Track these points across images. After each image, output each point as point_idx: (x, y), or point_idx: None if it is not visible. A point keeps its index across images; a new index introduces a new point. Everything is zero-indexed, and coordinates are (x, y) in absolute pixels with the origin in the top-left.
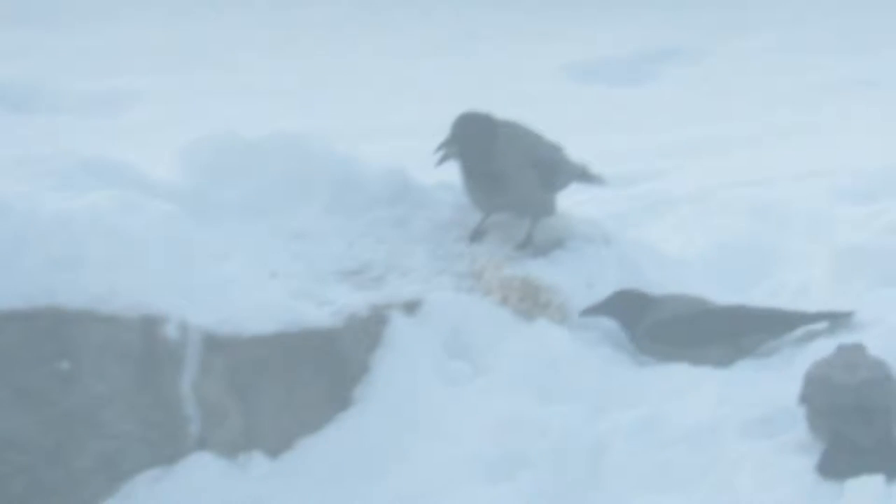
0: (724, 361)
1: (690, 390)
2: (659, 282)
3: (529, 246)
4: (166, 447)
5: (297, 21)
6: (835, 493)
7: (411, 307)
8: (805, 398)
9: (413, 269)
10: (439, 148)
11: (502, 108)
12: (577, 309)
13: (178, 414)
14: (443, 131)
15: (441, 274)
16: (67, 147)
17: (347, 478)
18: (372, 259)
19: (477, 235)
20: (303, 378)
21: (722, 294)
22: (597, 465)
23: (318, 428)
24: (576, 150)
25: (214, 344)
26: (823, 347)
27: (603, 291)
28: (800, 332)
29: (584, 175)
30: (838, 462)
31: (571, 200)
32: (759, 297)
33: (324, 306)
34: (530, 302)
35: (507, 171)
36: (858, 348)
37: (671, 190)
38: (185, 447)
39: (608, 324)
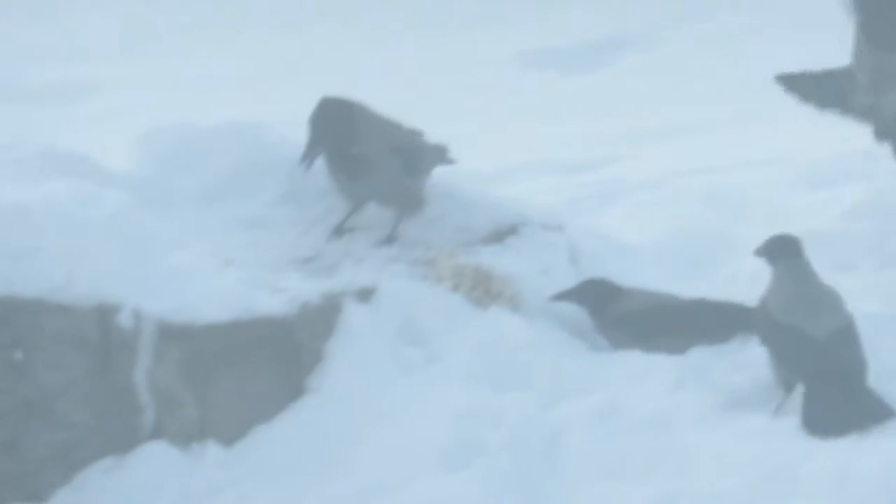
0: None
1: (646, 377)
2: (613, 269)
3: (394, 240)
4: (120, 437)
5: (251, 10)
6: (791, 480)
7: (365, 295)
8: (769, 344)
9: (366, 257)
10: (304, 156)
11: (455, 96)
12: (531, 297)
13: (132, 403)
14: (399, 118)
15: (394, 261)
16: (23, 137)
17: (302, 466)
18: (325, 247)
19: (340, 230)
20: (257, 366)
21: (677, 281)
22: (553, 453)
23: (272, 416)
24: (530, 139)
25: (169, 333)
26: None
27: (558, 279)
28: None
29: (444, 158)
30: (822, 418)
31: (526, 187)
32: (715, 284)
33: (278, 294)
34: (482, 291)
35: (369, 156)
36: (802, 265)
37: (626, 177)
38: (140, 437)
39: (566, 311)
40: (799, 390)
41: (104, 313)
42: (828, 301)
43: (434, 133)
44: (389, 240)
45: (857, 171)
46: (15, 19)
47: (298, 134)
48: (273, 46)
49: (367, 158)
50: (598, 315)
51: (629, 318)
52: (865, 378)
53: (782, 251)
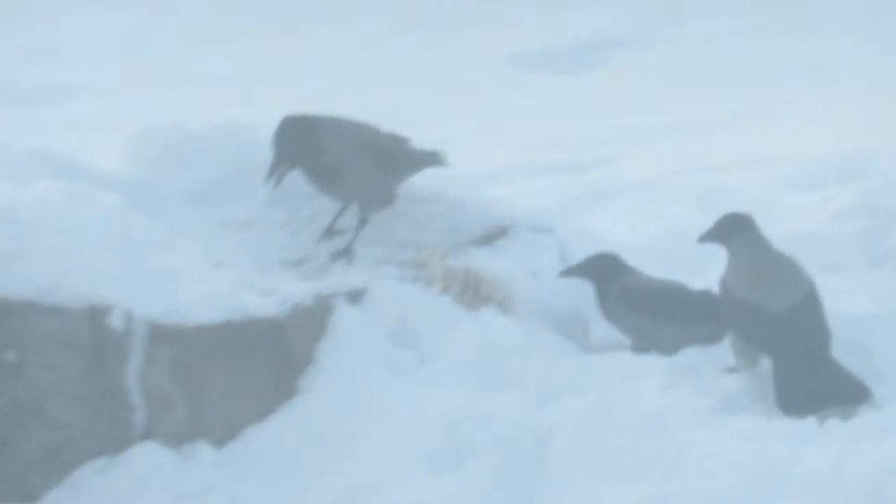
0: (679, 343)
1: (638, 378)
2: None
3: (351, 255)
4: (112, 437)
5: (244, 11)
6: (783, 480)
7: (356, 296)
8: (731, 323)
9: (356, 255)
10: (270, 174)
11: (448, 97)
12: (522, 299)
13: (123, 404)
14: (388, 121)
15: (385, 263)
16: (13, 139)
17: (293, 467)
18: (316, 248)
19: (331, 232)
20: (248, 367)
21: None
22: (543, 454)
23: (263, 417)
24: (522, 140)
25: (160, 334)
26: None
27: (548, 281)
28: None
29: (435, 162)
30: (794, 395)
31: (517, 188)
32: (706, 284)
33: (269, 296)
34: (472, 293)
35: (339, 161)
36: (756, 239)
37: (618, 177)
38: (131, 437)
39: (556, 312)
40: (764, 365)
41: (95, 314)
42: (786, 272)
43: (426, 134)
44: (345, 254)
45: (849, 172)
46: (4, 22)
47: None
48: (266, 48)
49: (337, 164)
50: (602, 290)
51: (632, 295)
52: (829, 348)
53: (734, 228)
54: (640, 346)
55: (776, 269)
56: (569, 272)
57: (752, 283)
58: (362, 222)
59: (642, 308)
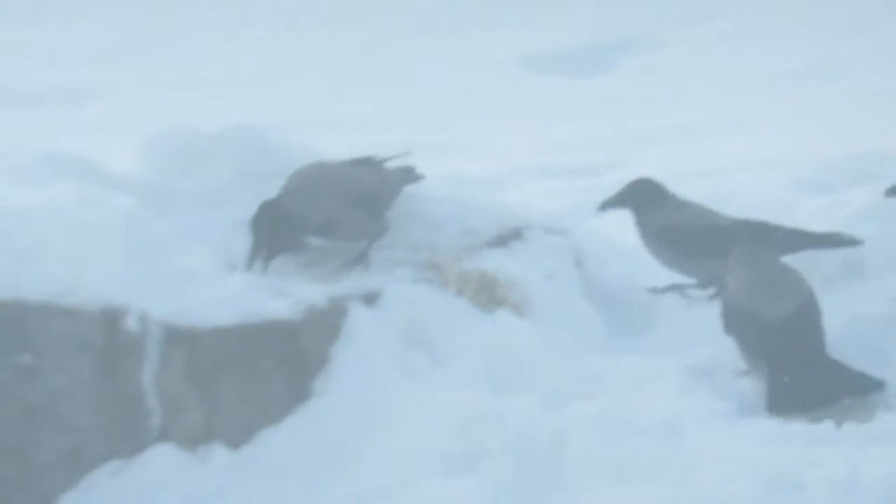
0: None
1: (652, 382)
2: (617, 272)
3: (364, 263)
4: (127, 440)
5: (255, 15)
6: (796, 485)
7: (370, 299)
8: (731, 331)
9: (372, 261)
10: (249, 262)
11: (459, 100)
12: (536, 301)
13: (138, 407)
14: (400, 124)
15: (399, 265)
16: (26, 141)
17: (307, 470)
18: (330, 250)
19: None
20: (262, 370)
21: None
22: (556, 457)
23: (277, 420)
24: (534, 142)
25: (174, 336)
26: None
27: (562, 283)
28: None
29: (412, 179)
30: (786, 399)
31: (530, 191)
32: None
33: (283, 298)
34: (486, 296)
35: (331, 222)
36: (768, 255)
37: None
38: (146, 440)
39: (571, 315)
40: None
41: (110, 317)
42: (785, 281)
43: (439, 136)
44: (360, 261)
45: (863, 174)
46: (17, 26)
47: (302, 138)
48: (276, 51)
49: (329, 225)
50: (643, 221)
51: (672, 231)
52: (825, 351)
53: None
54: (684, 279)
55: (775, 279)
56: (608, 203)
57: (749, 292)
58: (365, 253)
59: (685, 249)
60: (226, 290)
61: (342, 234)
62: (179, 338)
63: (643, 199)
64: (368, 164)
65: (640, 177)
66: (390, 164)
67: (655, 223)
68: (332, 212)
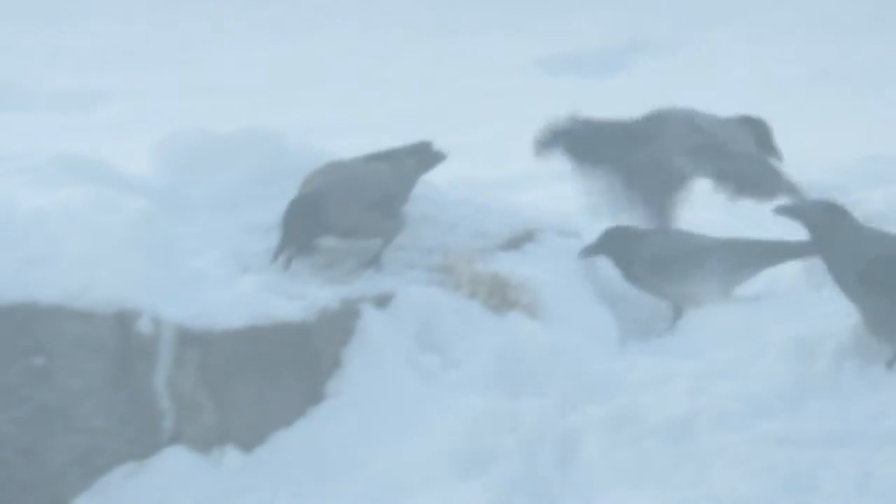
0: (716, 298)
1: (664, 383)
2: None
3: (377, 263)
4: (140, 442)
5: (269, 16)
6: (811, 486)
7: (383, 301)
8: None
9: (384, 263)
10: (275, 256)
11: (473, 102)
12: (548, 304)
13: (151, 409)
14: (415, 127)
15: (412, 268)
16: (41, 144)
17: (321, 472)
18: (343, 252)
19: (374, 261)
20: (275, 372)
21: None
22: (569, 460)
23: (290, 422)
24: None
25: (188, 339)
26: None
27: (574, 285)
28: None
29: (428, 162)
30: None
31: (543, 193)
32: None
33: (296, 300)
34: (499, 298)
35: (349, 228)
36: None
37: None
38: (159, 442)
39: (583, 317)
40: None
41: (123, 319)
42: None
43: (452, 139)
44: (373, 263)
45: (877, 176)
46: (31, 28)
47: (316, 140)
48: (291, 53)
49: (349, 231)
50: (624, 262)
51: (658, 262)
52: None
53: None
54: (678, 308)
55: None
56: (587, 252)
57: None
58: (378, 254)
59: (673, 276)
60: (239, 293)
61: (361, 235)
62: (193, 340)
63: (620, 244)
64: (385, 157)
65: (612, 226)
66: (406, 147)
67: (641, 258)
68: (356, 215)
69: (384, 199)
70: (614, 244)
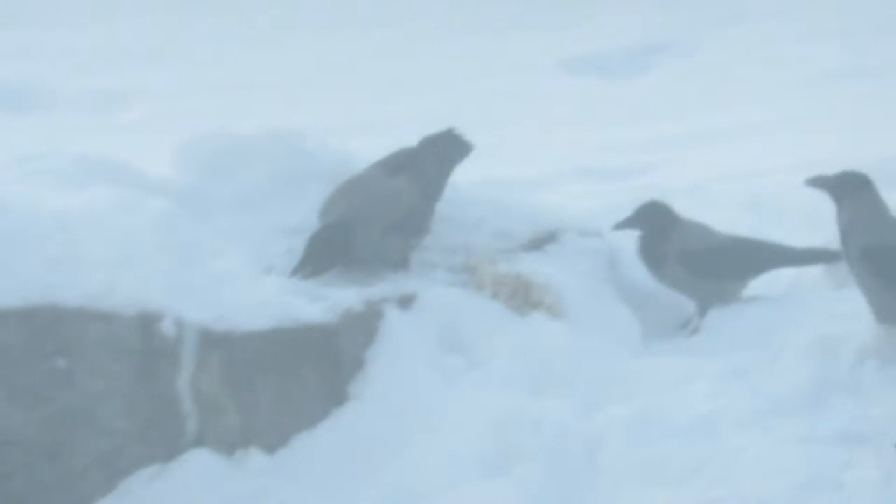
0: (738, 293)
1: (686, 383)
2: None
3: (404, 268)
4: (163, 444)
5: (290, 17)
6: (833, 486)
7: (406, 302)
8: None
9: (411, 266)
10: (295, 272)
11: (495, 102)
12: (571, 304)
13: (175, 411)
14: (436, 127)
15: (435, 268)
16: (64, 145)
17: (344, 473)
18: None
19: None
20: (299, 374)
21: None
22: (592, 459)
23: (314, 424)
24: (570, 145)
25: (211, 340)
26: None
27: (597, 286)
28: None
29: (457, 153)
30: None
31: (565, 193)
32: (754, 288)
33: (319, 301)
34: (521, 299)
35: (372, 254)
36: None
37: (666, 183)
38: (183, 444)
39: (606, 317)
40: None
41: (146, 321)
42: None
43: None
44: (401, 266)
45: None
46: (55, 30)
47: (338, 141)
48: (312, 53)
49: (370, 257)
50: (655, 242)
51: (691, 256)
52: None
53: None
54: (702, 305)
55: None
56: (622, 225)
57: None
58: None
59: (703, 271)
60: (262, 294)
61: (384, 258)
62: (215, 342)
63: (654, 223)
64: (405, 165)
65: (651, 199)
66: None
67: (673, 251)
68: (378, 241)
69: (406, 218)
70: (648, 220)
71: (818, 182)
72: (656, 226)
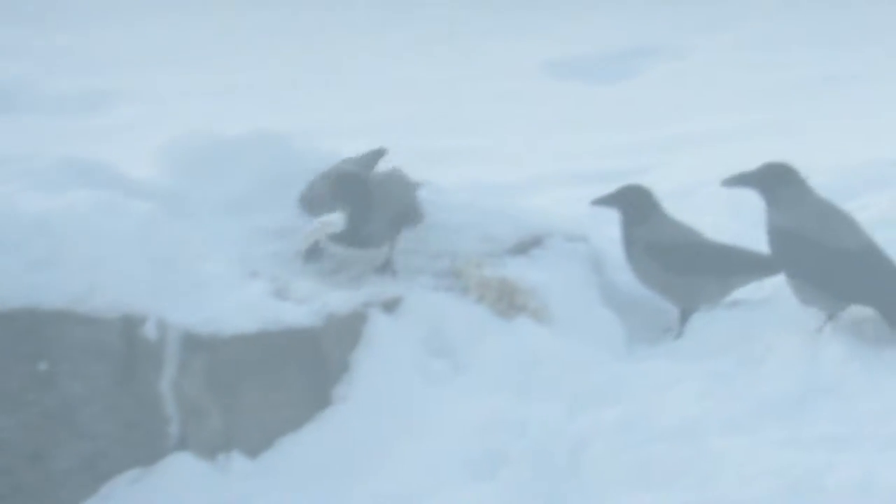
0: (711, 296)
1: (671, 387)
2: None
3: (393, 270)
4: (146, 448)
5: (277, 19)
6: (817, 488)
7: (391, 306)
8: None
9: (398, 269)
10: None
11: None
12: (556, 309)
13: (157, 414)
14: (421, 130)
15: (420, 273)
16: (46, 147)
17: (328, 477)
18: (351, 257)
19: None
20: (283, 377)
21: None
22: (577, 463)
23: (298, 427)
24: (556, 149)
25: (194, 343)
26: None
27: (582, 290)
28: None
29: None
30: None
31: (551, 197)
32: (742, 292)
33: (304, 305)
34: (506, 303)
35: (374, 235)
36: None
37: (653, 187)
38: (165, 447)
39: (591, 322)
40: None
41: (129, 324)
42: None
43: (460, 143)
44: (387, 268)
45: (884, 180)
46: (38, 31)
47: (324, 143)
48: (298, 56)
49: (373, 238)
50: (630, 224)
51: (657, 249)
52: None
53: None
54: (681, 307)
55: (835, 212)
56: (601, 202)
57: (822, 225)
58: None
59: (671, 265)
60: (246, 297)
61: (374, 244)
62: (199, 345)
63: (633, 204)
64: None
65: (633, 183)
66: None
67: (643, 236)
68: (383, 228)
69: (404, 215)
70: (627, 201)
71: (738, 181)
72: (634, 208)
